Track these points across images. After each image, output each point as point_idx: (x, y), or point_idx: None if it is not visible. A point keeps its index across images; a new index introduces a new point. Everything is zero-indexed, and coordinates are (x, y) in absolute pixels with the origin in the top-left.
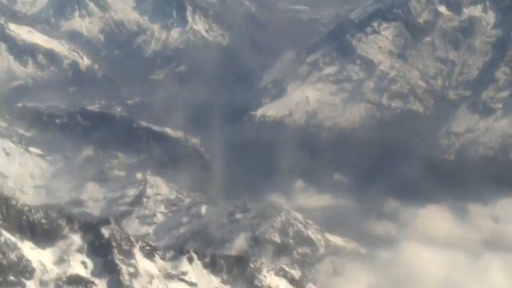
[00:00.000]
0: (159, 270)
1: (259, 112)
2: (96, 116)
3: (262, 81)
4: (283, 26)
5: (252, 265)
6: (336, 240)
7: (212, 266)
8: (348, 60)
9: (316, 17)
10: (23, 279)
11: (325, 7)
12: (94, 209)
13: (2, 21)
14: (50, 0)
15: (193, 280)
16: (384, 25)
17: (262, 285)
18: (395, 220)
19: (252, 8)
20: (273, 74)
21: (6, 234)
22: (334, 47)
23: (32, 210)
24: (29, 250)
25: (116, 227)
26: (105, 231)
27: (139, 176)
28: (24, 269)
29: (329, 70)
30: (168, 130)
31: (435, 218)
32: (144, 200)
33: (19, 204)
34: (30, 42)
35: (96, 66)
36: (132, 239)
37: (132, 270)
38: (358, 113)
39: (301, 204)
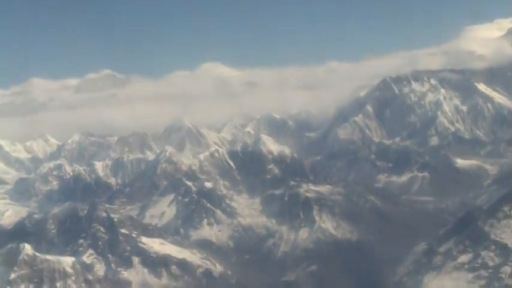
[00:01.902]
0: None
1: None
2: None
3: (396, 275)
4: (410, 218)
5: None
6: None
7: None
8: (481, 247)
9: (442, 206)
10: None
11: (449, 196)
12: None
13: (135, 235)
14: (177, 212)
15: None
16: None
17: None
18: None
19: (377, 203)
20: (406, 267)
21: None
22: (467, 234)
23: None
24: None
25: None
26: None
27: None
28: None
29: (463, 258)
30: None
31: None
32: None
33: None
34: (163, 253)
35: (229, 272)
36: None
37: None
38: None
39: None
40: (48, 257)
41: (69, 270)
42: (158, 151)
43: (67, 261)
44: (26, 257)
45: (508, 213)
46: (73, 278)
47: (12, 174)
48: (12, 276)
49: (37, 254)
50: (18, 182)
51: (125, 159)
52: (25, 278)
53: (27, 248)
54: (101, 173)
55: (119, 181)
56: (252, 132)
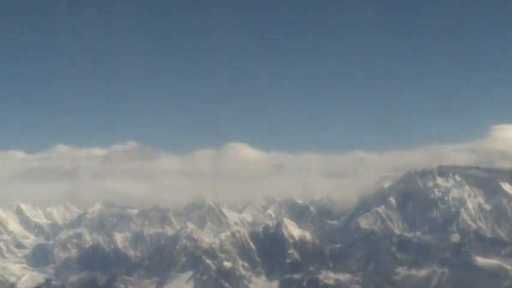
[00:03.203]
0: None
1: None
2: None
3: None
4: None
5: None
6: None
7: None
8: None
9: None
10: None
11: None
12: None
13: None
14: None
15: None
16: None
17: None
18: None
19: None
20: None
21: None
22: None
23: None
24: None
25: None
26: None
27: None
28: None
29: None
30: None
31: None
32: None
33: None
34: None
35: None
36: None
37: None
38: None
39: None
40: None
41: None
42: (178, 227)
43: None
44: None
45: None
46: None
47: (31, 239)
48: None
49: None
50: (37, 247)
51: (145, 233)
52: None
53: None
54: (120, 245)
55: (138, 254)
56: (273, 215)
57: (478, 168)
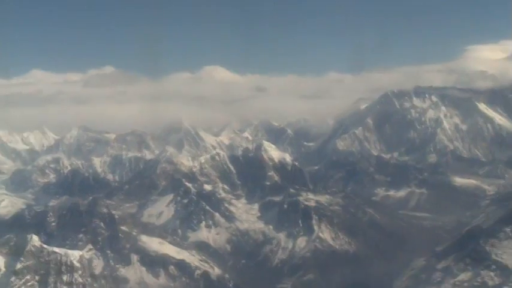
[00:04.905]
0: None
1: None
2: None
3: None
4: (407, 233)
5: None
6: None
7: None
8: (482, 266)
9: (438, 223)
10: None
11: (446, 214)
12: None
13: (135, 233)
14: (176, 212)
15: None
16: None
17: None
18: None
19: (375, 216)
20: (403, 281)
21: None
22: (467, 253)
23: None
24: None
25: None
26: None
27: None
28: None
29: (463, 276)
30: None
31: None
32: None
33: None
34: (162, 253)
35: (226, 275)
36: None
37: None
38: None
39: None
40: (56, 249)
41: (77, 264)
42: (156, 151)
43: (75, 254)
44: (33, 248)
45: (510, 234)
46: (80, 272)
47: (8, 165)
48: (19, 266)
49: (44, 245)
50: (15, 172)
51: (123, 157)
52: (31, 269)
53: (35, 239)
54: (98, 169)
55: (117, 178)
56: (250, 138)
57: (454, 88)
